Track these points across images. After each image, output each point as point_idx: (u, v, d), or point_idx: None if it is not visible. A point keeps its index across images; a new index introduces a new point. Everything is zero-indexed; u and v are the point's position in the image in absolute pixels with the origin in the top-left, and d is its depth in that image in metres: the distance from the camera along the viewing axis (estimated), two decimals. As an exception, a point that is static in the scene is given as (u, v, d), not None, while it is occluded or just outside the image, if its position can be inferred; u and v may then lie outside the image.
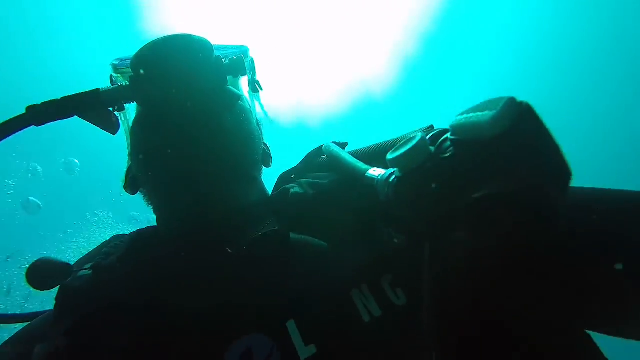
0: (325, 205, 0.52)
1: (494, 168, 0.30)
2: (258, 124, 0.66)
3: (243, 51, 0.69)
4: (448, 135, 0.34)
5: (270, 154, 0.69)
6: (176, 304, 0.45)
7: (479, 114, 0.31)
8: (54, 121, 0.54)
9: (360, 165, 0.47)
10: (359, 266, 0.44)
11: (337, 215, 0.50)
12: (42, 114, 0.53)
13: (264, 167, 0.66)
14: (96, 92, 0.54)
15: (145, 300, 0.46)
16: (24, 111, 0.54)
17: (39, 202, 9.25)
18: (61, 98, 0.54)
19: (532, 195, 0.28)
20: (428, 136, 0.36)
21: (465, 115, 0.32)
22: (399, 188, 0.36)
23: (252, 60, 0.71)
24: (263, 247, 0.47)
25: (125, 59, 0.63)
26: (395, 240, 0.41)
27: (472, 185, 0.30)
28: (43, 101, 0.54)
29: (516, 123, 0.29)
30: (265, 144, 0.68)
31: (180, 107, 0.51)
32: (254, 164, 0.60)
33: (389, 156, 0.36)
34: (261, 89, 0.69)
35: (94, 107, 0.54)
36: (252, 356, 0.40)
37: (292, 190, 0.56)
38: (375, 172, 0.42)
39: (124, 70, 0.63)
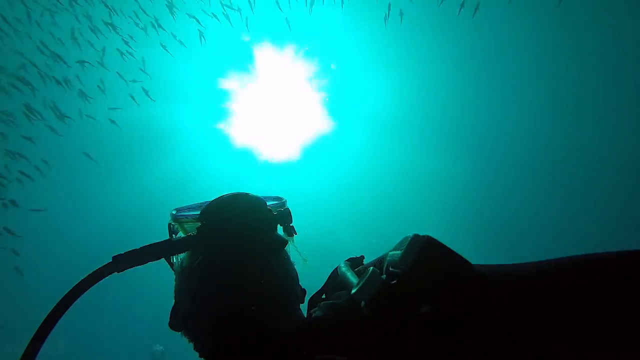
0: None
1: (421, 292, 0.44)
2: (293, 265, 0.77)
3: (284, 202, 0.82)
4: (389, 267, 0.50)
5: (305, 291, 0.77)
6: None
7: (397, 252, 0.48)
8: (131, 268, 0.64)
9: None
10: None
11: None
12: (124, 262, 0.62)
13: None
14: (170, 242, 0.66)
15: None
16: (110, 260, 0.62)
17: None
18: (140, 248, 0.64)
19: (452, 312, 0.43)
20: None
21: (390, 253, 0.50)
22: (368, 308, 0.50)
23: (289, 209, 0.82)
24: None
25: (182, 209, 0.75)
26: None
27: (415, 304, 0.44)
28: (126, 251, 0.64)
29: (417, 257, 0.45)
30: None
31: (241, 256, 0.63)
32: (296, 298, 0.72)
33: (354, 291, 0.50)
34: (296, 234, 0.79)
35: (166, 254, 0.66)
36: None
37: (313, 315, 0.63)
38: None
39: (182, 220, 0.73)
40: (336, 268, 0.72)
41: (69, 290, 0.60)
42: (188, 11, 9.17)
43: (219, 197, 0.69)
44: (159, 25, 9.22)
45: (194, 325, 0.68)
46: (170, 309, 0.71)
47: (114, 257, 0.63)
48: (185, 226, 0.74)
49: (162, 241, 0.66)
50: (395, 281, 0.47)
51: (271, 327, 0.62)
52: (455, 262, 0.46)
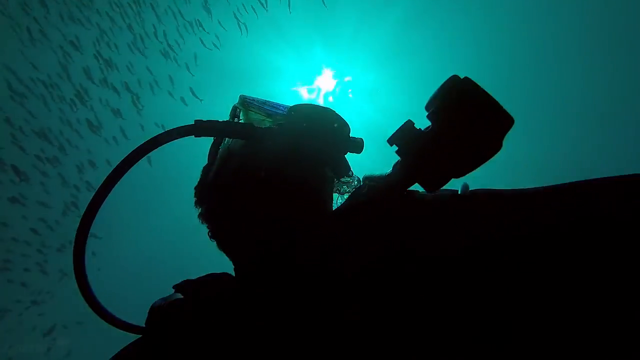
0: None
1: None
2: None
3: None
4: None
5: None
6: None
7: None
8: (209, 137, 0.63)
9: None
10: None
11: None
12: (204, 129, 0.61)
13: None
14: (252, 126, 0.62)
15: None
16: (191, 122, 0.61)
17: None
18: (224, 122, 0.63)
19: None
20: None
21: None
22: (400, 162, 0.53)
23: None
24: None
25: (253, 99, 0.70)
26: None
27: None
28: (210, 120, 0.62)
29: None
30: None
31: (310, 167, 0.61)
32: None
33: (389, 138, 0.52)
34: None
35: (244, 137, 0.62)
36: None
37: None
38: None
39: (253, 107, 0.69)
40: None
41: (147, 140, 0.58)
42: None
43: (309, 104, 0.66)
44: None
45: (224, 213, 0.64)
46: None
47: (195, 120, 0.62)
48: (251, 115, 0.69)
49: (245, 123, 0.64)
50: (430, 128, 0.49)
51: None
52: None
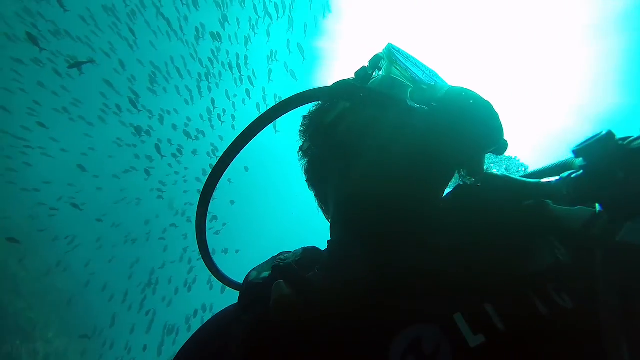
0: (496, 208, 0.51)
1: None
2: None
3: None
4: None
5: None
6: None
7: None
8: (363, 102, 0.57)
9: (530, 180, 0.49)
10: (526, 273, 0.43)
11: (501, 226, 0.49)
12: (361, 92, 0.56)
13: None
14: (406, 102, 0.56)
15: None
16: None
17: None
18: (364, 87, 0.58)
19: None
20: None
21: None
22: (582, 178, 0.38)
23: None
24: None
25: (400, 53, 0.64)
26: (559, 256, 0.42)
27: None
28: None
29: None
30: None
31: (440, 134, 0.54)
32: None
33: (574, 147, 0.39)
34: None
35: (392, 110, 0.56)
36: (421, 344, 0.40)
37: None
38: (550, 179, 0.44)
39: (401, 64, 0.63)
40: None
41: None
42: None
43: (467, 93, 0.57)
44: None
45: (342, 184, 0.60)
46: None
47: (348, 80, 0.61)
48: (394, 71, 0.63)
49: (401, 97, 0.57)
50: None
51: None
52: None
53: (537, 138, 12.06)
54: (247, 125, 0.58)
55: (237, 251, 14.23)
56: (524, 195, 0.48)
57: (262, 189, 19.59)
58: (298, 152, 0.68)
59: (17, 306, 10.31)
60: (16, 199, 12.47)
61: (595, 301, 0.36)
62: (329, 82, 0.62)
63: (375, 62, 0.65)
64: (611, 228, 0.38)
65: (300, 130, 0.68)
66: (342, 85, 0.58)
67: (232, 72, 12.32)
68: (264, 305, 0.47)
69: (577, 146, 0.39)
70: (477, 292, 0.42)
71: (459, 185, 0.58)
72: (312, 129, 0.65)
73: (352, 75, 0.64)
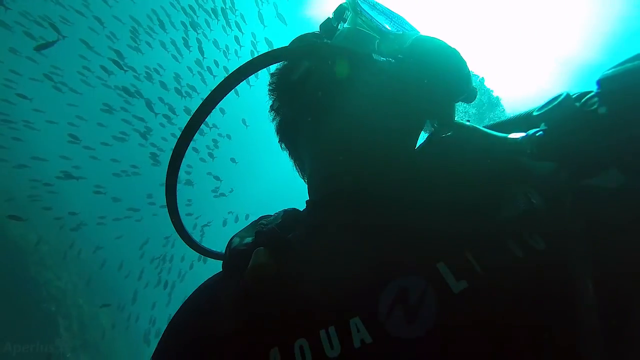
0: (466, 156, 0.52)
1: None
2: None
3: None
4: (593, 92, 0.38)
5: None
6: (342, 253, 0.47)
7: (636, 63, 0.33)
8: (326, 58, 0.57)
9: (497, 133, 0.49)
10: (503, 219, 0.44)
11: (472, 174, 0.50)
12: (322, 49, 0.57)
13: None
14: (371, 57, 0.56)
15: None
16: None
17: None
18: (341, 46, 0.58)
19: None
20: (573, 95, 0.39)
21: (614, 69, 0.35)
22: (543, 140, 0.40)
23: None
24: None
25: (366, 2, 0.62)
26: (533, 201, 0.43)
27: (623, 127, 0.32)
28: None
29: None
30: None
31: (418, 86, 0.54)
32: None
33: (536, 112, 0.41)
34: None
35: (357, 64, 0.56)
36: (407, 294, 0.41)
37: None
38: (515, 135, 0.45)
39: (362, 17, 0.60)
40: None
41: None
42: None
43: (433, 42, 0.56)
44: None
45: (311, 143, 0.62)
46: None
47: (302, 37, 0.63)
48: (359, 22, 0.61)
49: (365, 52, 0.57)
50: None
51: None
52: None
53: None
54: (209, 93, 0.55)
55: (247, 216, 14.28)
56: (493, 147, 0.49)
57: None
58: (269, 111, 0.67)
59: (45, 276, 10.61)
60: (13, 178, 12.15)
61: (565, 241, 0.38)
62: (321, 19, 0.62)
63: (339, 13, 0.64)
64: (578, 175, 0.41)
65: (269, 90, 0.67)
66: (304, 44, 0.59)
67: (217, 18, 11.73)
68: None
69: (538, 110, 0.42)
70: (457, 240, 0.43)
71: (430, 135, 0.58)
72: (279, 89, 0.65)
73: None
